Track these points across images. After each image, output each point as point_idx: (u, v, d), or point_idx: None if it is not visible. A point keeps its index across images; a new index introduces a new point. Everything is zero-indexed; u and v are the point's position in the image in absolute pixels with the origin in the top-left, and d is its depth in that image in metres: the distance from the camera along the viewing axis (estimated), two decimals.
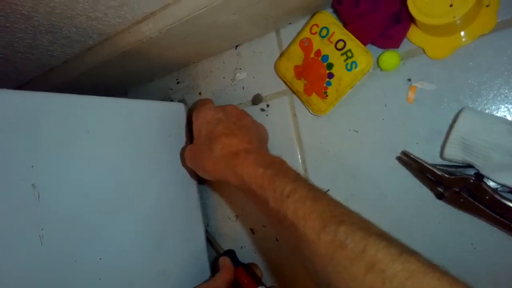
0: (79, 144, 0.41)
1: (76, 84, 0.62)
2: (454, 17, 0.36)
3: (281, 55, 0.53)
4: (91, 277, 0.40)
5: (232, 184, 0.42)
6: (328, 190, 0.51)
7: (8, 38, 0.45)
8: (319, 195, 0.34)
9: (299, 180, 0.36)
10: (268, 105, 0.56)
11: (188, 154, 0.48)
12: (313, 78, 0.48)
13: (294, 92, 0.52)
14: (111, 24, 0.46)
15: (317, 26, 0.47)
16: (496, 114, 0.39)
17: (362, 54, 0.45)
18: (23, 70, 0.56)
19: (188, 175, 0.56)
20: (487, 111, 0.40)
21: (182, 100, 0.65)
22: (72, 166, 0.40)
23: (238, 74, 0.59)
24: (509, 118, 0.39)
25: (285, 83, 0.53)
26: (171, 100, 0.67)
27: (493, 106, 0.39)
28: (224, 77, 0.61)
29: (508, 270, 0.40)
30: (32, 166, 0.36)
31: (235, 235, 0.60)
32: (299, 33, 0.50)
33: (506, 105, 0.39)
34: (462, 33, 0.40)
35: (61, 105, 0.40)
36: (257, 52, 0.57)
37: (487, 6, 0.38)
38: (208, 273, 0.57)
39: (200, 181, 0.59)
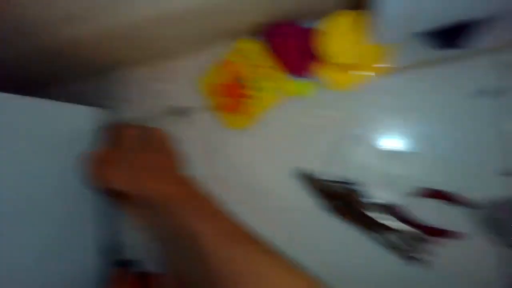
0: None
1: None
2: (357, 58, 0.45)
3: (206, 72, 0.56)
4: None
5: (139, 196, 0.44)
6: (234, 201, 0.54)
7: None
8: (223, 214, 0.40)
9: (207, 200, 0.41)
10: (188, 118, 0.58)
11: (98, 160, 0.48)
12: (234, 96, 0.53)
13: (214, 108, 0.55)
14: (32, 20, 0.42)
15: (243, 50, 0.52)
16: (377, 142, 0.48)
17: (280, 80, 0.50)
18: None
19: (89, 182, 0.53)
20: (372, 138, 0.49)
21: (101, 106, 0.62)
22: None
23: (160, 86, 0.59)
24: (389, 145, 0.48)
25: (207, 98, 0.55)
26: (91, 104, 0.63)
27: (379, 136, 0.49)
28: (146, 86, 0.60)
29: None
30: None
31: (137, 245, 0.59)
32: (225, 55, 0.54)
33: (387, 133, 0.48)
34: (362, 73, 0.48)
35: None
36: (181, 67, 0.59)
37: (382, 53, 0.47)
38: (95, 284, 0.54)
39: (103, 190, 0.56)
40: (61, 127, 0.49)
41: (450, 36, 0.43)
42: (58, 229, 0.47)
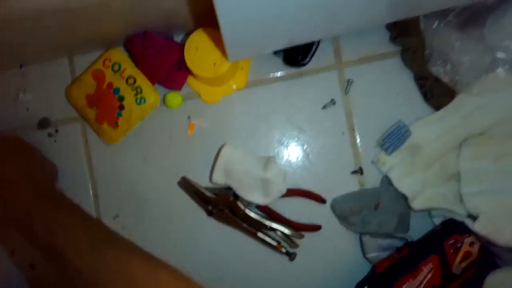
0: None
1: None
2: (217, 73, 0.47)
3: (73, 82, 0.53)
4: None
5: None
6: (117, 215, 0.53)
7: None
8: (91, 222, 0.37)
9: (73, 209, 0.38)
10: (57, 130, 0.54)
11: None
12: (105, 108, 0.51)
13: (85, 120, 0.53)
14: None
15: (110, 60, 0.51)
16: (248, 147, 0.52)
17: (150, 91, 0.51)
18: None
19: None
20: (243, 146, 0.52)
21: None
22: None
23: (21, 95, 0.54)
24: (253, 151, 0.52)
25: (76, 110, 0.53)
26: None
27: (247, 143, 0.52)
28: (5, 95, 0.55)
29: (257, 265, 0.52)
30: None
31: (8, 273, 0.53)
32: (92, 64, 0.52)
33: (250, 142, 0.52)
34: (225, 87, 0.52)
35: None
36: (47, 75, 0.55)
37: (241, 68, 0.52)
38: None
39: None
40: None
41: (293, 56, 0.50)
42: None
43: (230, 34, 0.38)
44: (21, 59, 0.54)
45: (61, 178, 0.54)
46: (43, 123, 0.54)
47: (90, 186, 0.54)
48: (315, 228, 0.50)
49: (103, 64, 0.51)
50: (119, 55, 0.51)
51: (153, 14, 0.46)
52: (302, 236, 0.50)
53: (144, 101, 0.51)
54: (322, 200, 0.51)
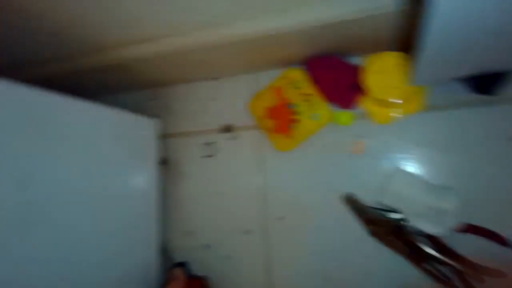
0: (57, 142, 0.43)
1: (52, 83, 0.63)
2: (396, 96, 0.47)
3: (256, 95, 0.60)
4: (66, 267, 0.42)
5: None
6: (283, 217, 0.58)
7: (4, 30, 0.47)
8: None
9: None
10: (236, 135, 0.63)
11: None
12: (281, 120, 0.56)
13: (263, 129, 0.59)
14: (110, 39, 0.50)
15: (291, 78, 0.56)
16: (419, 174, 0.50)
17: (324, 109, 0.54)
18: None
19: (149, 191, 0.59)
20: (410, 170, 0.50)
21: (154, 116, 0.69)
22: (51, 163, 0.42)
23: (212, 103, 0.65)
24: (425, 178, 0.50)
25: (256, 119, 0.60)
26: (144, 114, 0.70)
27: (418, 168, 0.51)
28: (199, 103, 0.66)
29: None
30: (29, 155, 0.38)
31: (189, 249, 0.64)
32: (274, 81, 0.58)
33: (422, 169, 0.50)
34: (400, 110, 0.51)
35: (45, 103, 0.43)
36: (234, 87, 0.64)
37: (418, 93, 0.50)
38: (157, 281, 0.59)
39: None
40: (125, 133, 0.55)
41: (484, 83, 0.46)
42: (124, 230, 0.53)
43: (428, 58, 0.38)
44: (216, 73, 0.64)
45: (235, 178, 0.62)
46: (227, 128, 0.63)
47: (258, 187, 0.60)
48: (499, 274, 0.45)
49: (284, 81, 0.57)
50: (299, 74, 0.56)
51: (340, 40, 0.49)
52: (482, 280, 0.45)
53: (318, 117, 0.54)
54: (506, 244, 0.45)
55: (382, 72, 0.49)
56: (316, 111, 0.54)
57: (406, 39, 0.47)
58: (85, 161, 0.47)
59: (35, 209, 0.39)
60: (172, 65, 0.58)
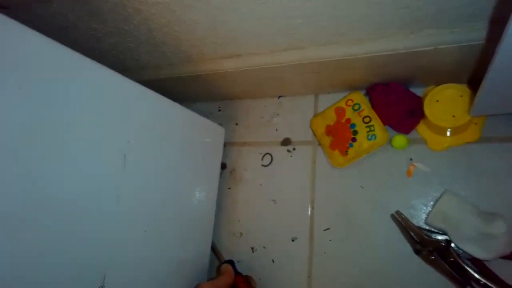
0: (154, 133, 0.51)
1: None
2: (454, 124, 0.52)
3: (318, 114, 0.67)
4: (139, 240, 0.48)
5: None
6: (328, 228, 0.62)
7: (120, 39, 0.56)
8: None
9: None
10: (294, 149, 0.69)
11: None
12: (340, 138, 0.62)
13: (320, 145, 0.65)
14: (201, 52, 0.58)
15: (352, 101, 0.62)
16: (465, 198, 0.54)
17: (381, 131, 0.59)
18: (104, 62, 0.66)
19: (211, 192, 0.66)
20: (459, 195, 0.54)
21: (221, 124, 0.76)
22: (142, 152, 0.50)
23: (275, 118, 0.72)
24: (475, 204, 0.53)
25: (315, 135, 0.66)
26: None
27: (463, 194, 0.54)
28: (262, 117, 0.73)
29: None
30: (128, 141, 0.46)
31: (236, 250, 0.69)
32: (336, 102, 0.64)
33: (473, 196, 0.53)
34: (455, 138, 0.55)
35: (150, 99, 0.51)
36: (296, 105, 0.71)
37: (475, 123, 0.54)
38: (206, 274, 0.63)
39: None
40: (196, 136, 0.62)
41: None
42: (185, 226, 0.59)
43: (490, 91, 0.42)
44: (280, 91, 0.72)
45: (288, 188, 0.67)
46: (286, 142, 0.69)
47: (309, 199, 0.65)
48: None
49: (346, 103, 0.63)
50: (360, 97, 0.62)
51: (405, 69, 0.55)
52: None
53: (375, 138, 0.59)
54: None
55: (441, 101, 0.54)
56: (373, 132, 0.59)
57: (470, 71, 0.52)
58: (162, 154, 0.54)
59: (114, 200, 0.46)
60: (245, 81, 0.66)
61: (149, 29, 0.52)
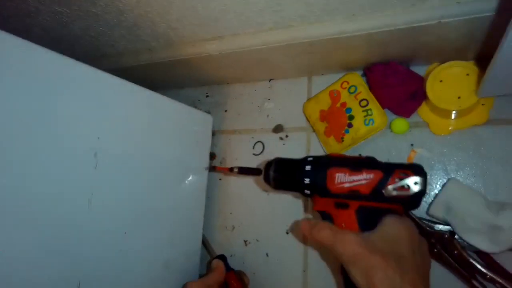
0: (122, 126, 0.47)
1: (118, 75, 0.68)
2: (460, 107, 0.47)
3: (311, 98, 0.62)
4: (117, 244, 0.45)
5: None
6: None
7: (90, 23, 0.51)
8: None
9: None
10: (287, 136, 0.64)
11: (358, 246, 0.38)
12: (335, 123, 0.57)
13: (314, 131, 0.61)
14: (181, 35, 0.53)
15: (348, 83, 0.57)
16: (473, 188, 0.50)
17: (380, 115, 0.54)
18: (79, 50, 0.61)
19: (199, 184, 0.62)
20: (465, 183, 0.50)
21: (207, 112, 0.72)
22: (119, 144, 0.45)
23: (266, 103, 0.67)
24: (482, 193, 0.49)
25: (309, 121, 0.61)
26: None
27: (473, 182, 0.50)
28: (252, 103, 0.69)
29: None
30: (98, 138, 0.42)
31: (228, 244, 0.66)
32: (331, 85, 0.59)
33: (480, 183, 0.49)
34: (460, 120, 0.51)
35: (123, 89, 0.47)
36: (288, 89, 0.66)
37: (482, 104, 0.50)
38: (197, 271, 0.61)
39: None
40: (182, 126, 0.58)
41: None
42: (173, 220, 0.55)
43: (502, 69, 0.37)
44: (270, 74, 0.66)
45: None
46: (278, 129, 0.65)
47: None
48: None
49: (341, 85, 0.58)
50: (357, 79, 0.57)
51: (406, 47, 0.50)
52: None
53: (373, 123, 0.55)
54: None
55: (446, 81, 0.49)
56: (371, 117, 0.55)
57: (478, 47, 0.47)
58: (143, 148, 0.50)
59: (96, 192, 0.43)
60: (232, 64, 0.60)
61: (119, 10, 0.47)
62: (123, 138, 0.46)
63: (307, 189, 0.45)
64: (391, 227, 0.40)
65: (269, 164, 0.49)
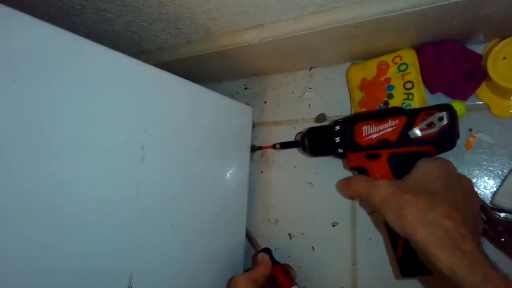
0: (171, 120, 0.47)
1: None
2: None
3: (358, 63, 0.59)
4: (165, 237, 0.45)
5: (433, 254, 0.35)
6: (373, 212, 0.56)
7: (131, 18, 0.52)
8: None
9: (496, 270, 0.33)
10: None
11: (389, 190, 0.39)
12: (372, 96, 0.54)
13: (350, 99, 0.59)
14: (221, 25, 0.52)
15: (400, 58, 0.53)
16: None
17: (419, 104, 0.50)
18: (120, 46, 0.62)
19: (241, 177, 0.61)
20: None
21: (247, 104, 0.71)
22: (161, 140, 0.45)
23: (307, 93, 0.65)
24: None
25: (349, 86, 0.59)
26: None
27: None
28: (292, 92, 0.67)
29: None
30: (145, 130, 0.42)
31: (272, 237, 0.64)
32: (382, 56, 0.55)
33: None
34: None
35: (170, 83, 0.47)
36: (330, 77, 0.63)
37: None
38: (242, 265, 0.60)
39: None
40: (222, 118, 0.57)
41: None
42: (217, 213, 0.55)
43: None
44: (311, 62, 0.64)
45: (323, 169, 0.61)
46: (321, 118, 0.63)
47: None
48: None
49: (393, 60, 0.53)
50: (411, 57, 0.52)
51: (462, 22, 0.45)
52: None
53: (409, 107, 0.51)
54: None
55: (510, 58, 0.44)
56: (410, 101, 0.51)
57: None
58: (184, 141, 0.49)
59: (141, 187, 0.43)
60: (271, 53, 0.59)
61: (160, 3, 0.47)
62: (168, 131, 0.46)
63: (340, 148, 0.48)
64: (422, 167, 0.41)
65: (303, 134, 0.54)
